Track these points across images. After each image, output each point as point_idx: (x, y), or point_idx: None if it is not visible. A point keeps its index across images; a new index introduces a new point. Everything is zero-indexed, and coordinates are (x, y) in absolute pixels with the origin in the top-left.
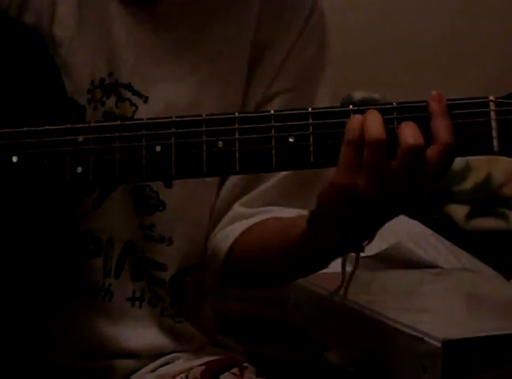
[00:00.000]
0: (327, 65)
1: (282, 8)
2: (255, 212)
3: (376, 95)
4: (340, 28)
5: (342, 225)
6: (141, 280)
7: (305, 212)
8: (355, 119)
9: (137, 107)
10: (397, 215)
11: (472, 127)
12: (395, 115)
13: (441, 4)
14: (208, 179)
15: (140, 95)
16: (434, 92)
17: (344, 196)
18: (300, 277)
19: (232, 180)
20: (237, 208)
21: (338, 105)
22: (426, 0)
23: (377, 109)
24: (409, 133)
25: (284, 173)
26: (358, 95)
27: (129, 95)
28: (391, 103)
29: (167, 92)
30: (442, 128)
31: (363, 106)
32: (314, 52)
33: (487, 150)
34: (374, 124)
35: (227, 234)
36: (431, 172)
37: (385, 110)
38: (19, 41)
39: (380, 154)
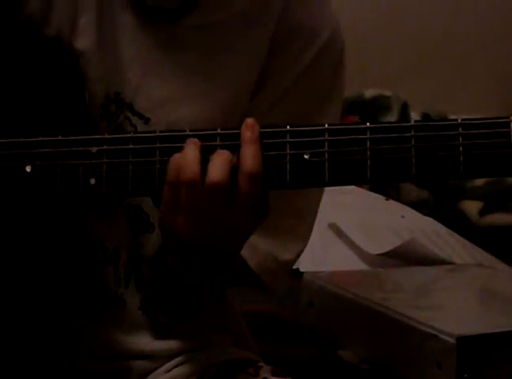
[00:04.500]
0: (334, 100)
1: (296, 36)
2: None
3: (388, 93)
4: (352, 26)
5: (181, 258)
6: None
7: (260, 242)
8: (174, 159)
9: (136, 128)
10: (230, 255)
11: (493, 148)
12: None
13: (452, 3)
14: None
15: (140, 116)
16: (248, 120)
17: (167, 234)
18: None
19: None
20: None
21: None
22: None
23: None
24: (215, 168)
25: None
26: (369, 93)
27: (129, 115)
28: (406, 108)
29: (170, 115)
30: (248, 156)
31: (374, 103)
32: (320, 86)
33: (507, 172)
34: (187, 163)
35: None
36: (241, 203)
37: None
38: (43, 52)
39: (195, 193)
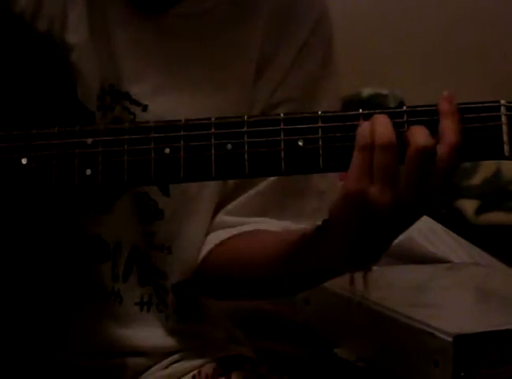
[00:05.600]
0: (331, 76)
1: (287, 20)
2: (238, 221)
3: (385, 91)
4: (350, 24)
5: (353, 237)
6: (148, 285)
7: (293, 226)
8: (366, 125)
9: (135, 116)
10: (409, 225)
11: (483, 131)
12: (405, 119)
13: (451, 2)
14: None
15: (138, 104)
16: (445, 92)
17: (356, 203)
18: (290, 293)
19: (217, 188)
20: (221, 216)
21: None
22: None
23: (387, 113)
24: (419, 135)
25: (273, 181)
26: (366, 91)
27: (127, 104)
28: (402, 107)
29: (167, 101)
30: (449, 128)
31: (371, 102)
32: (317, 64)
33: (497, 155)
34: (384, 128)
35: (204, 243)
36: (440, 173)
37: (394, 114)
38: (34, 46)
39: (391, 157)
